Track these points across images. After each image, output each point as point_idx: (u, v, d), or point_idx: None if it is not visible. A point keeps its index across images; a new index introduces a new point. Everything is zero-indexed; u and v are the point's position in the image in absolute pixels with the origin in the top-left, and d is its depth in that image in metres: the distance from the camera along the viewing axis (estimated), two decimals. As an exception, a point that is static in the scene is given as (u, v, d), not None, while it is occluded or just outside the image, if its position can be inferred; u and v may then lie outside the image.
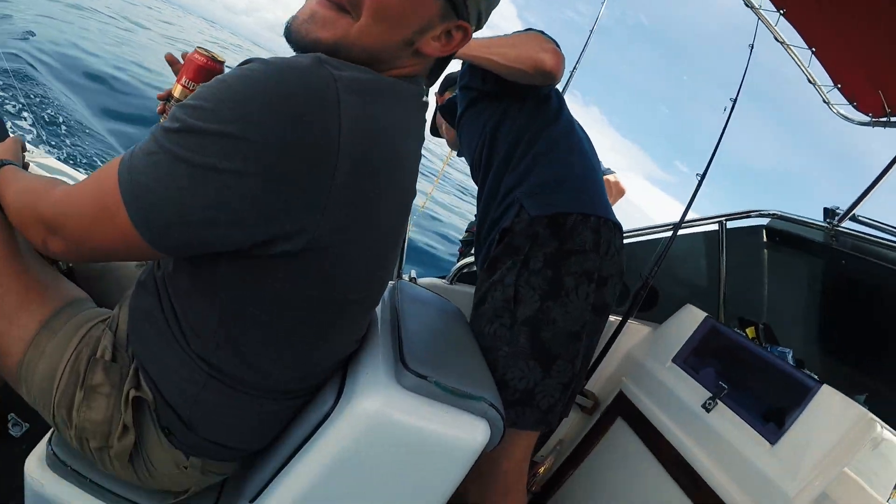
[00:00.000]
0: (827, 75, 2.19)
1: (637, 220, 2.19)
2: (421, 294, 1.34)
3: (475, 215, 1.71)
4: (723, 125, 1.91)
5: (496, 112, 1.46)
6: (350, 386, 0.92)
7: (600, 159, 1.66)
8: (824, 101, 2.28)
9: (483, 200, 1.49)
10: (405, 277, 1.93)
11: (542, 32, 1.34)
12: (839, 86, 2.19)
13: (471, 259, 1.96)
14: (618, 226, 1.36)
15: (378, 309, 1.13)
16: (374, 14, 0.78)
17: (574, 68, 2.44)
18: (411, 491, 0.91)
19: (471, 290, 1.47)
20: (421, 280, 1.98)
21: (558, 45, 1.31)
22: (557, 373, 1.26)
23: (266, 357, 0.87)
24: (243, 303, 0.81)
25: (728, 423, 1.51)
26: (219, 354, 0.86)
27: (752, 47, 2.01)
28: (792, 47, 2.15)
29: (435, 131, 1.87)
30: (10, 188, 0.91)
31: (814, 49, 2.11)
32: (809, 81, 2.25)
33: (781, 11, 2.04)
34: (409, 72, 0.88)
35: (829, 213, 2.11)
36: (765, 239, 2.33)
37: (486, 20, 0.93)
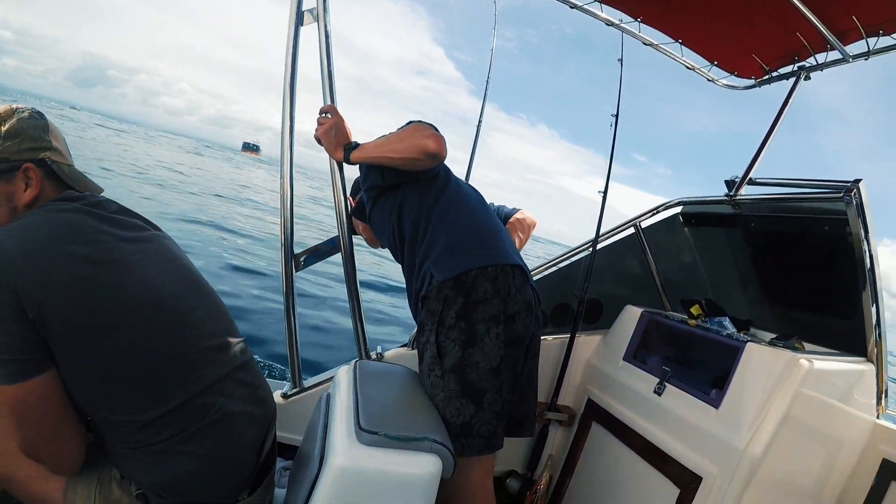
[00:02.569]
0: (702, 58, 2.36)
1: (609, 219, 2.32)
2: (377, 368, 1.52)
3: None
4: (612, 138, 2.11)
5: (396, 201, 1.64)
6: (326, 452, 1.11)
7: (504, 203, 1.90)
8: (709, 80, 2.46)
9: (406, 275, 1.68)
10: (373, 355, 2.10)
11: (421, 121, 1.55)
12: (716, 62, 2.37)
13: None
14: (516, 266, 1.52)
15: (342, 389, 1.34)
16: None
17: (484, 97, 2.63)
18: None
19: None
20: (387, 353, 2.15)
21: (436, 129, 1.52)
22: (489, 404, 1.42)
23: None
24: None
25: (677, 399, 1.67)
26: (120, 429, 1.13)
27: (622, 61, 2.22)
28: (661, 45, 2.32)
29: (352, 232, 1.97)
30: None
31: (680, 41, 2.28)
32: (689, 68, 2.42)
33: (639, 19, 2.23)
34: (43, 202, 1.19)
35: (729, 184, 2.27)
36: (682, 224, 2.50)
37: (43, 143, 1.21)
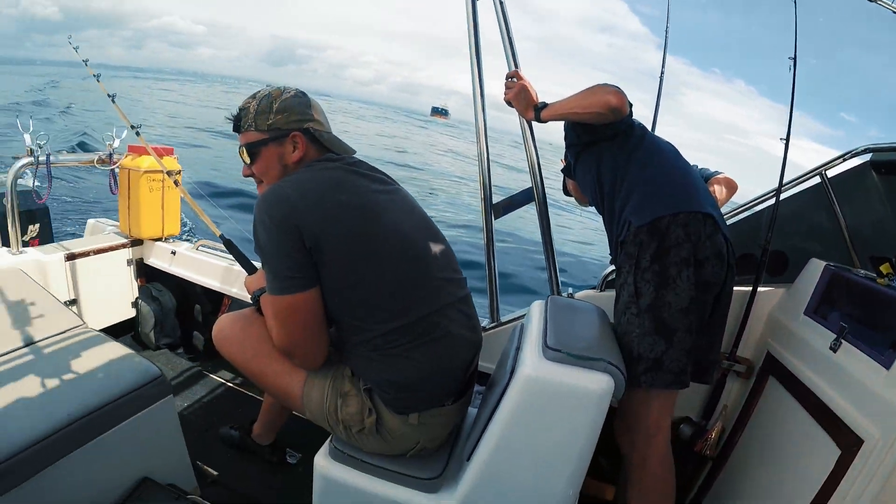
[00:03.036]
0: None
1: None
2: (567, 302, 1.77)
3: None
4: (791, 83, 2.07)
5: (594, 157, 1.87)
6: (516, 367, 1.39)
7: (706, 165, 2.08)
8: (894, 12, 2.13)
9: (607, 226, 1.90)
10: (564, 294, 2.40)
11: (606, 83, 1.74)
12: None
13: (613, 267, 2.34)
14: (708, 214, 1.64)
15: (535, 319, 1.60)
16: (266, 180, 1.60)
17: (665, 46, 2.69)
18: (568, 428, 1.33)
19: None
20: (578, 294, 2.42)
21: (619, 88, 1.69)
22: (679, 342, 1.60)
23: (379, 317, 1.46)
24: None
25: (851, 357, 1.67)
26: (363, 333, 1.46)
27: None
28: None
29: (567, 192, 2.28)
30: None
31: None
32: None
33: None
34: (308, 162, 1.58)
35: None
36: (873, 174, 2.33)
37: (306, 116, 1.59)
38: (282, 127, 1.54)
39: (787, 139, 2.17)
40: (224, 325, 1.72)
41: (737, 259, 2.17)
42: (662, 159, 1.78)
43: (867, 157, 2.34)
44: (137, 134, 2.64)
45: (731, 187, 2.26)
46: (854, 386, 1.63)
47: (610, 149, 1.82)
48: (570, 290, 2.44)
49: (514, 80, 1.99)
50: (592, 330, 1.58)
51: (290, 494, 2.11)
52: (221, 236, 2.30)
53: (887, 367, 1.55)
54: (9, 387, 1.56)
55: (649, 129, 1.91)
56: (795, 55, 2.10)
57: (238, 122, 1.58)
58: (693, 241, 1.60)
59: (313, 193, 1.41)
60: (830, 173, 2.31)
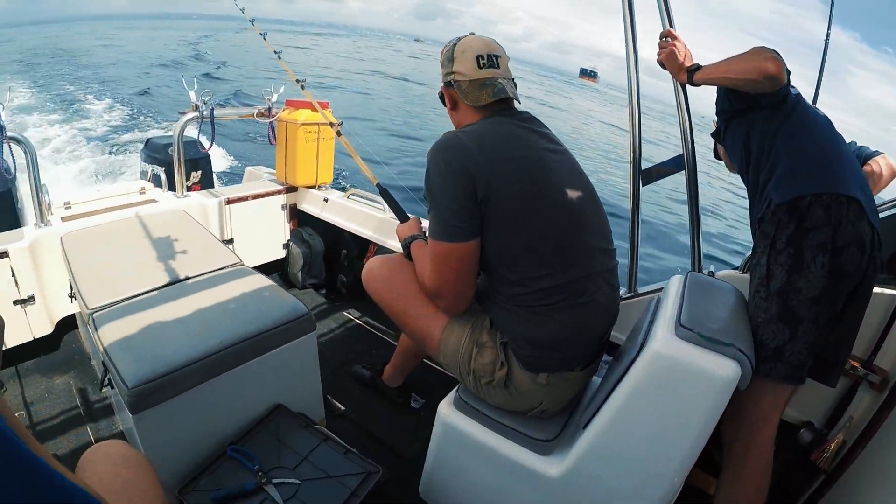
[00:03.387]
0: None
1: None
2: (706, 281, 1.73)
3: None
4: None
5: (745, 125, 1.76)
6: (647, 341, 1.41)
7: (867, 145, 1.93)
8: None
9: (749, 198, 1.80)
10: (705, 272, 2.33)
11: (764, 47, 1.63)
12: None
13: None
14: (853, 198, 1.52)
15: (672, 294, 1.59)
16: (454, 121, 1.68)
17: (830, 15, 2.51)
18: (687, 411, 1.34)
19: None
20: (719, 273, 2.35)
21: (777, 53, 1.59)
22: (803, 333, 1.54)
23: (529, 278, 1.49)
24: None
25: None
26: (512, 287, 1.50)
27: None
28: None
29: (717, 156, 2.19)
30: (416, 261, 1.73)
31: None
32: None
33: None
34: (479, 116, 1.63)
35: None
36: None
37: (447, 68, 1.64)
38: (444, 79, 1.67)
39: None
40: (374, 265, 1.85)
41: (890, 256, 2.00)
42: (814, 131, 1.67)
43: None
44: (303, 87, 2.85)
45: (893, 171, 2.09)
46: None
47: (761, 116, 1.72)
48: (712, 267, 2.36)
49: (668, 39, 1.93)
50: (728, 312, 1.55)
51: (410, 437, 2.25)
52: (378, 184, 2.43)
53: None
54: (174, 314, 1.81)
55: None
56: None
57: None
58: (833, 226, 1.52)
59: (489, 145, 1.47)
60: None
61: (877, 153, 2.05)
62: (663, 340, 1.32)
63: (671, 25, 2.01)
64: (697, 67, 1.83)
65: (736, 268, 2.34)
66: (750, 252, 2.28)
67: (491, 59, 1.60)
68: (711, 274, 2.31)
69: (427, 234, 1.73)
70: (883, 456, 1.95)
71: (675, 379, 1.32)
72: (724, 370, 1.28)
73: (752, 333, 1.57)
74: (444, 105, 1.70)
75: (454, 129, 1.65)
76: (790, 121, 1.68)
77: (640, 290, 2.35)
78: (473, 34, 1.65)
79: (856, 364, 2.12)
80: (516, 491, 1.65)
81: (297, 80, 2.82)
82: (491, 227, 1.46)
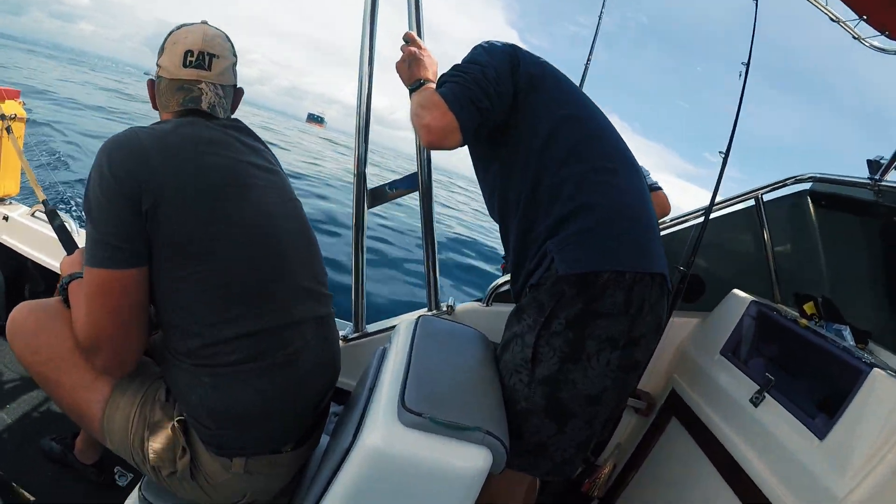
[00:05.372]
0: (849, 9, 1.96)
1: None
2: (442, 327, 1.39)
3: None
4: (740, 92, 1.81)
5: (502, 129, 1.33)
6: (363, 423, 1.01)
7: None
8: (854, 38, 2.08)
9: (512, 245, 1.36)
10: (443, 306, 2.00)
11: (458, 73, 1.26)
12: (865, 17, 1.96)
13: (506, 278, 1.98)
14: (656, 275, 1.22)
15: (395, 347, 1.23)
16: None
17: (582, 81, 2.43)
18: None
19: (507, 309, 1.40)
20: (459, 306, 2.02)
21: (459, 102, 1.21)
22: (572, 431, 1.22)
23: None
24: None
25: (776, 417, 1.44)
26: (191, 341, 1.12)
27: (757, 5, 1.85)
28: None
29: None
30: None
31: None
32: (833, 20, 2.04)
33: None
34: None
35: (872, 165, 1.95)
36: (811, 205, 2.17)
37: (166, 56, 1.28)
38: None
39: (727, 153, 1.83)
40: (17, 316, 1.30)
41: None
42: (620, 164, 1.30)
43: (808, 185, 2.16)
44: None
45: (665, 210, 1.99)
46: (778, 451, 1.40)
47: (534, 109, 1.31)
48: (452, 300, 2.05)
49: (408, 44, 1.49)
50: (469, 373, 1.21)
51: None
52: (45, 202, 1.93)
53: (821, 436, 1.32)
54: None
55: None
56: (749, 59, 1.81)
57: None
58: (633, 315, 1.18)
59: (173, 145, 1.14)
60: (766, 197, 2.09)
61: (656, 184, 1.89)
62: (381, 431, 0.92)
63: (419, 31, 1.65)
64: (419, 85, 1.37)
65: (480, 299, 2.05)
66: (497, 281, 2.04)
67: (202, 57, 1.26)
68: (451, 309, 2.01)
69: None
70: (656, 480, 1.85)
71: (404, 478, 0.93)
72: (470, 461, 0.93)
73: (509, 419, 1.19)
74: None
75: None
76: (587, 134, 1.31)
77: (370, 328, 1.96)
78: (205, 23, 1.32)
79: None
80: None
81: None
82: (158, 252, 1.09)
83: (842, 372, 1.38)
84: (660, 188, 2.21)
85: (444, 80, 1.28)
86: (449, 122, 1.20)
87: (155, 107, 1.34)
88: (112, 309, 1.10)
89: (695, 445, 1.68)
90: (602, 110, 1.40)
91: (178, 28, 1.30)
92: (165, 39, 1.29)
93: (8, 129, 2.30)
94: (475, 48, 1.34)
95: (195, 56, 1.26)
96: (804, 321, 1.69)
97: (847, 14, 1.99)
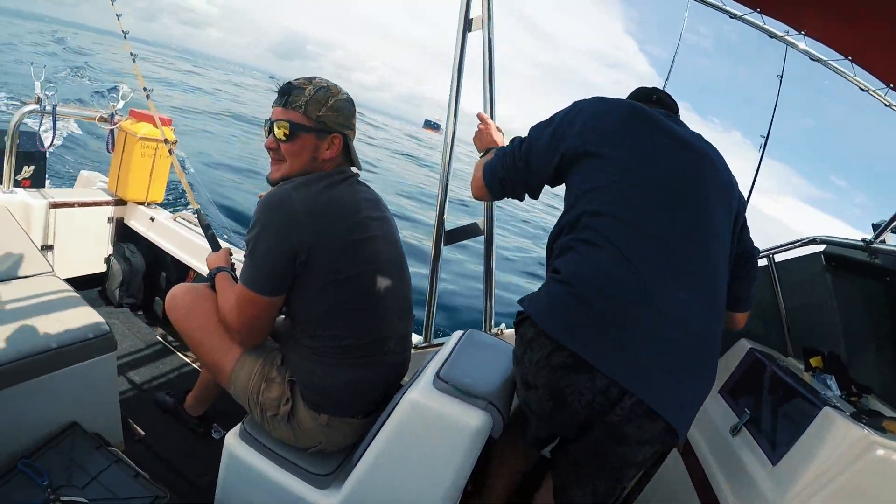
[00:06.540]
0: (875, 78, 2.04)
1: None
2: (484, 339, 1.83)
3: None
4: (758, 161, 2.02)
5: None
6: (408, 388, 1.49)
7: None
8: (886, 106, 2.14)
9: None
10: (495, 329, 2.48)
11: (502, 150, 1.69)
12: (892, 85, 2.03)
13: None
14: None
15: (444, 347, 1.69)
16: (290, 161, 1.61)
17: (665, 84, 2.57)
18: (442, 456, 1.43)
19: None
20: (507, 331, 2.49)
21: (487, 172, 1.68)
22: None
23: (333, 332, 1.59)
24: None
25: (746, 444, 1.74)
26: (313, 339, 1.60)
27: (782, 77, 2.06)
28: (830, 62, 2.09)
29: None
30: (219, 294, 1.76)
31: (850, 57, 2.02)
32: (862, 90, 2.13)
33: (803, 33, 2.03)
34: (329, 167, 1.65)
35: (876, 228, 2.10)
36: (824, 265, 2.33)
37: (349, 124, 1.66)
38: (328, 124, 1.60)
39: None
40: (178, 293, 1.85)
41: None
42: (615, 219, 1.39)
43: (821, 247, 2.34)
44: (148, 97, 2.74)
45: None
46: (741, 474, 1.67)
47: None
48: (503, 325, 2.50)
49: (480, 122, 2.00)
50: (492, 370, 1.63)
51: (207, 466, 2.19)
52: (197, 210, 2.43)
53: (773, 462, 1.59)
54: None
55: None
56: (769, 134, 2.06)
57: (288, 97, 1.58)
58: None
59: (319, 211, 1.52)
60: (779, 258, 2.34)
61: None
62: (419, 390, 1.41)
63: (490, 107, 2.14)
64: (485, 153, 1.86)
65: None
66: None
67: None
68: (501, 331, 2.46)
69: (236, 271, 1.77)
70: (642, 494, 2.10)
71: (429, 425, 1.40)
72: (473, 420, 1.37)
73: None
74: (281, 139, 1.59)
75: (286, 169, 1.64)
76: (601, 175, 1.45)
77: (435, 341, 2.48)
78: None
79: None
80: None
81: (145, 89, 2.73)
82: (308, 286, 1.54)
83: (802, 408, 1.63)
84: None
85: (495, 152, 1.76)
86: (480, 187, 1.72)
87: (303, 150, 1.60)
88: (252, 315, 1.58)
89: (682, 465, 1.97)
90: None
91: (341, 90, 1.64)
92: (341, 100, 1.62)
93: (170, 152, 2.86)
94: (553, 115, 1.61)
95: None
96: (807, 375, 1.92)
97: (874, 83, 2.08)
